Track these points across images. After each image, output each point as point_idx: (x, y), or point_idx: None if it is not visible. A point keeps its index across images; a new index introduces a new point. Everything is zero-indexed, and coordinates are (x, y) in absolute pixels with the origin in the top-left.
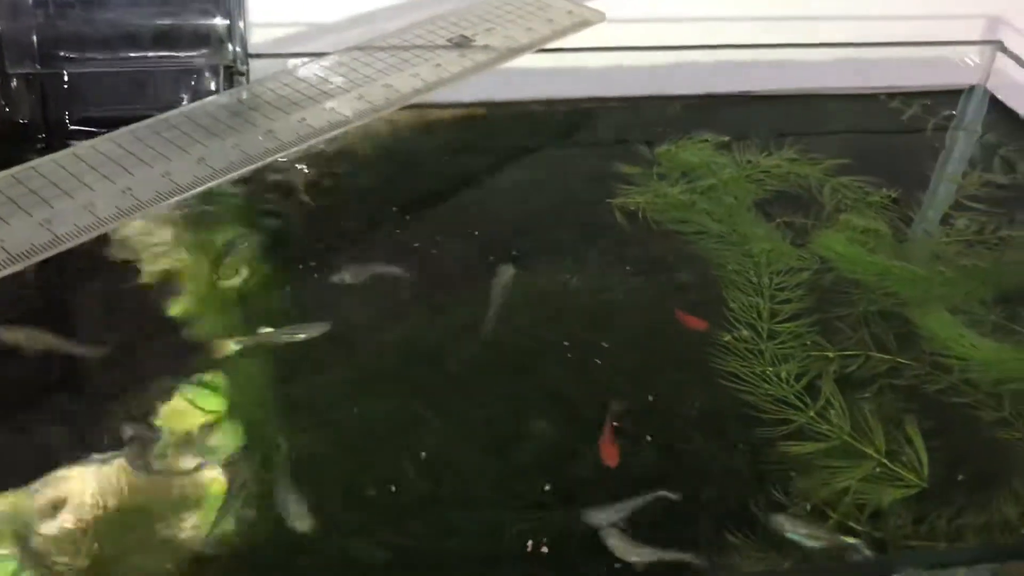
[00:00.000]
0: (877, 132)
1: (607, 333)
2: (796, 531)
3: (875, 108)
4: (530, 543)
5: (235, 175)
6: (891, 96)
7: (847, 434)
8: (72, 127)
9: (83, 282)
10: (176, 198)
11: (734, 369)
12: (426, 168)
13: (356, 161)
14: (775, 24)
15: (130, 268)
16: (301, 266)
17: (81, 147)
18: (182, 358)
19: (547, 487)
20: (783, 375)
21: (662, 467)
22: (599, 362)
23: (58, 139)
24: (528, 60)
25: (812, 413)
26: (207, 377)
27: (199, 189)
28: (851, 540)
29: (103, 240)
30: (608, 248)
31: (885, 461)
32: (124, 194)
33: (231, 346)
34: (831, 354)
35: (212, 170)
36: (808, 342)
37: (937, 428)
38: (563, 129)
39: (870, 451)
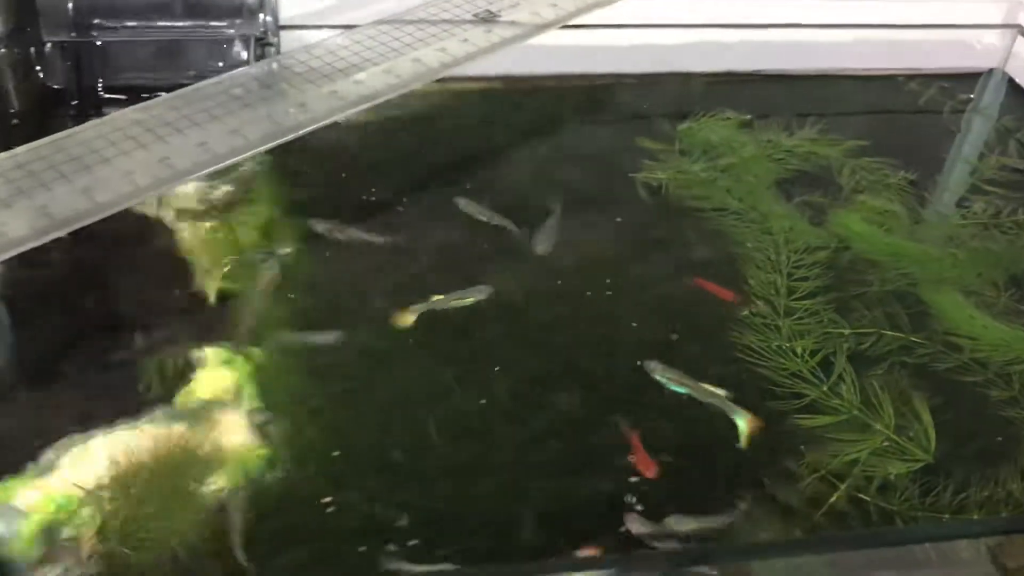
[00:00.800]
0: (895, 113)
1: (627, 305)
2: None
3: (893, 90)
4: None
5: (268, 146)
6: (909, 78)
7: (858, 409)
8: (104, 94)
9: None
10: (211, 168)
11: (751, 343)
12: (447, 142)
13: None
14: (796, 4)
15: None
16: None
17: (119, 115)
18: None
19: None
20: (798, 350)
21: (677, 438)
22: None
23: (90, 105)
24: (548, 35)
25: (825, 388)
26: None
27: (233, 159)
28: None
29: None
30: (630, 221)
31: (894, 436)
32: (161, 163)
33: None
34: (846, 331)
35: (247, 140)
36: (824, 319)
37: (946, 405)
38: (584, 104)
39: (879, 426)
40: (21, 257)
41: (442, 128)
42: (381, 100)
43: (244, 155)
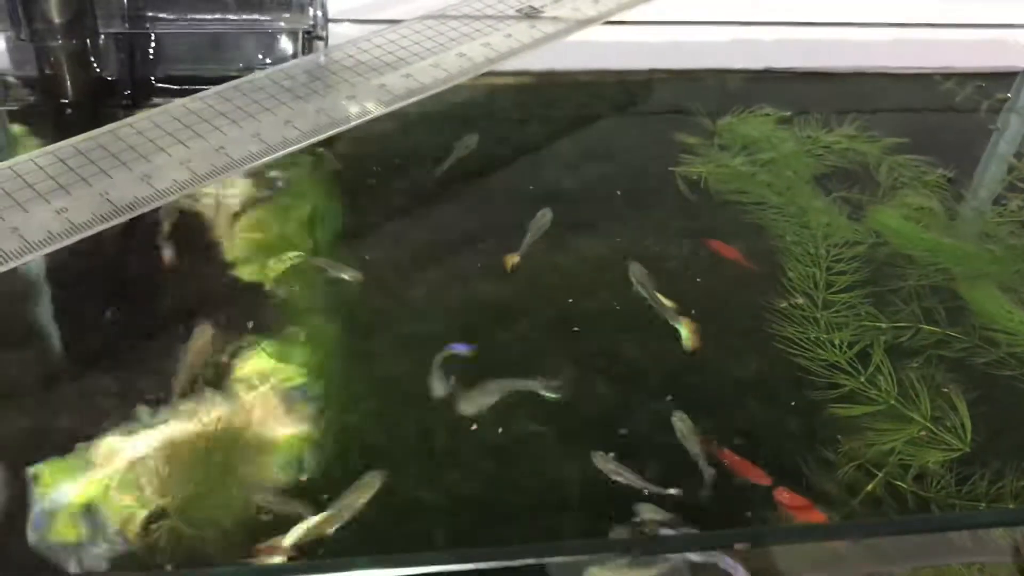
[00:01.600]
0: (932, 111)
1: (667, 296)
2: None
3: (930, 88)
4: None
5: (320, 137)
6: (946, 77)
7: (894, 399)
8: (157, 85)
9: None
10: (266, 158)
11: (790, 335)
12: (484, 135)
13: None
14: (834, 1)
15: None
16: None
17: (174, 106)
18: None
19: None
20: (836, 342)
21: (717, 424)
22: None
23: (143, 96)
24: (586, 32)
25: (862, 379)
26: None
27: (288, 150)
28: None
29: None
30: (670, 214)
31: (930, 426)
32: (218, 152)
33: None
34: (883, 325)
35: (299, 132)
36: (861, 312)
37: (982, 398)
38: (622, 99)
39: (916, 416)
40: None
41: (480, 122)
42: (428, 94)
43: (296, 146)
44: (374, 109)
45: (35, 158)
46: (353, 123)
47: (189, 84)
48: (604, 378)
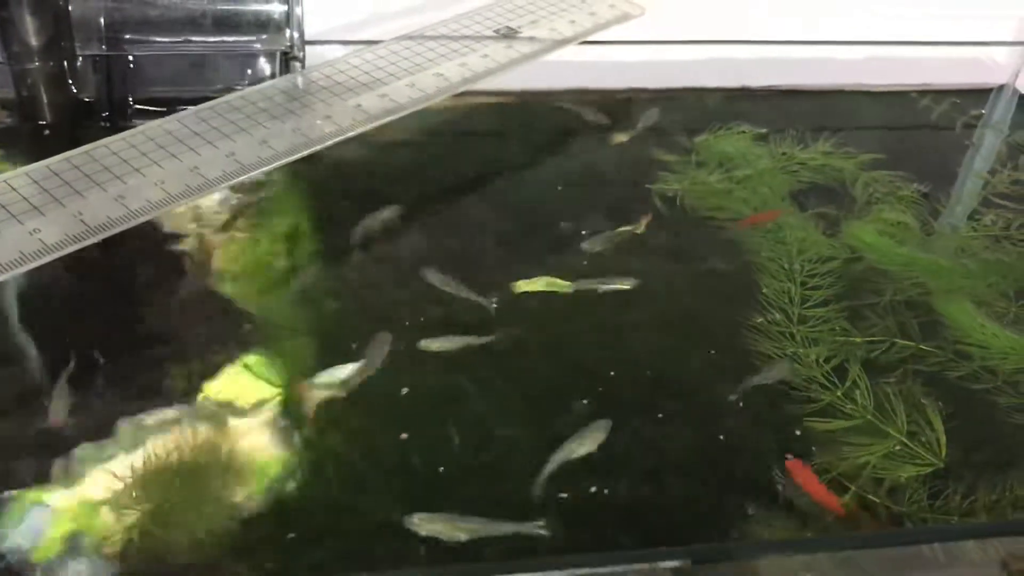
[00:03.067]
0: (908, 128)
1: (642, 313)
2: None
3: (906, 105)
4: None
5: (295, 157)
6: (922, 94)
7: (871, 414)
8: (135, 106)
9: None
10: (240, 177)
11: (766, 350)
12: (461, 154)
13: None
14: (809, 21)
15: None
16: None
17: (150, 127)
18: None
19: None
20: (812, 357)
21: (693, 438)
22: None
23: (121, 117)
24: (565, 51)
25: (839, 393)
26: None
27: (262, 169)
28: None
29: None
30: (646, 231)
31: (905, 440)
32: (192, 172)
33: None
34: (858, 339)
35: (274, 152)
36: (836, 327)
37: (957, 412)
38: (599, 118)
39: (891, 430)
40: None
41: (457, 142)
42: (404, 113)
43: (271, 166)
44: (349, 128)
45: (9, 179)
46: (328, 143)
47: (168, 105)
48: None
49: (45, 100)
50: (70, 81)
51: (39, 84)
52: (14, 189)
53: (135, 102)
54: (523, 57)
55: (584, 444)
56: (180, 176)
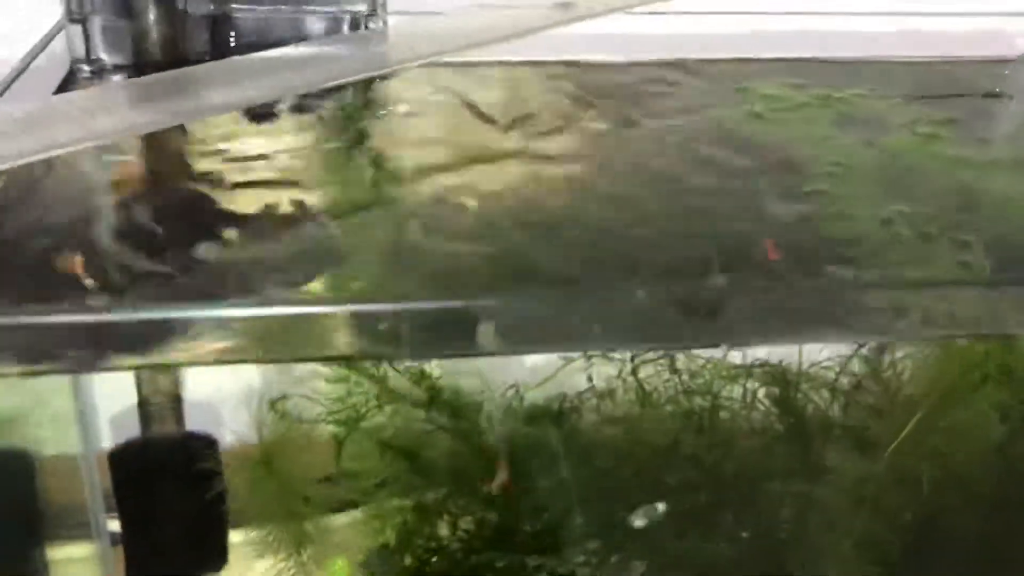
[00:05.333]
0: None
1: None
2: None
3: (935, 72)
4: None
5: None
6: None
7: None
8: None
9: None
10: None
11: None
12: None
13: None
14: None
15: None
16: None
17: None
18: None
19: None
20: None
21: None
22: None
23: None
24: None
25: None
26: None
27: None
28: None
29: None
30: None
31: None
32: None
33: None
34: None
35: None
36: None
37: None
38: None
39: None
40: None
41: None
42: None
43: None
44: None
45: None
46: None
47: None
48: None
49: (160, 60)
50: (180, 39)
51: (155, 45)
52: None
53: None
54: (580, 17)
55: None
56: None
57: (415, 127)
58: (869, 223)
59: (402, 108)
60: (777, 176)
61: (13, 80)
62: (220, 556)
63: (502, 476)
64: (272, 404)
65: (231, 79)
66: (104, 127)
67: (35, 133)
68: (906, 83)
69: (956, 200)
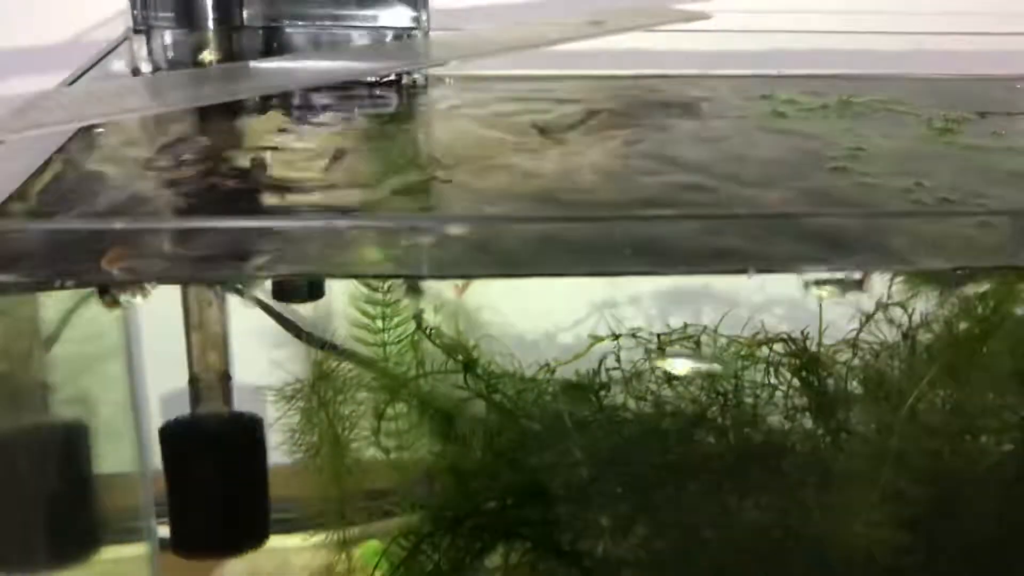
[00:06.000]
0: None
1: None
2: None
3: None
4: None
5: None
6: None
7: None
8: None
9: None
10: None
11: None
12: None
13: None
14: None
15: None
16: None
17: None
18: None
19: None
20: None
21: None
22: None
23: None
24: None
25: None
26: None
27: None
28: None
29: None
30: None
31: None
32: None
33: None
34: None
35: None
36: None
37: None
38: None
39: None
40: None
41: None
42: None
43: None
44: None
45: None
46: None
47: None
48: None
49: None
50: (236, 49)
51: (213, 51)
52: None
53: None
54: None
55: None
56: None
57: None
58: (891, 191)
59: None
60: (802, 157)
61: (75, 80)
62: (261, 531)
63: None
64: None
65: (278, 70)
66: (172, 100)
67: (108, 102)
68: (924, 94)
69: (973, 177)
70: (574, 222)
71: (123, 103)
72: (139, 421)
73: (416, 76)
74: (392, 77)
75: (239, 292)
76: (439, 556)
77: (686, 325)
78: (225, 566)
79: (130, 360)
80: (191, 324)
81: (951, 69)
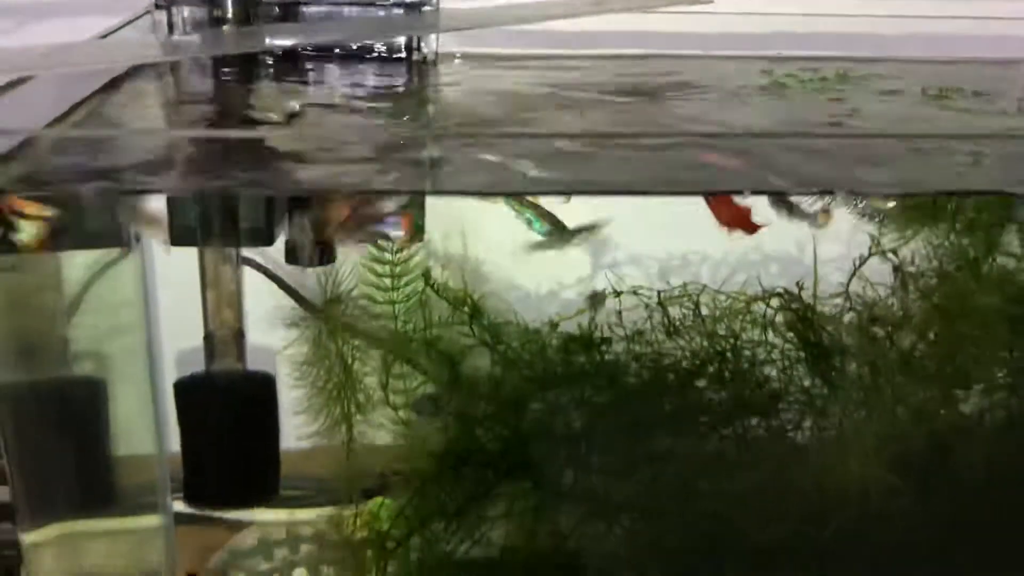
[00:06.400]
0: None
1: None
2: None
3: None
4: None
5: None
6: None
7: None
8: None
9: None
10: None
11: None
12: None
13: None
14: None
15: None
16: None
17: None
18: None
19: None
20: None
21: None
22: None
23: (291, 61)
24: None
25: None
26: None
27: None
28: None
29: None
30: None
31: None
32: None
33: None
34: None
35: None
36: None
37: None
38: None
39: None
40: None
41: None
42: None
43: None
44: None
45: None
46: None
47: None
48: None
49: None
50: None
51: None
52: None
53: (301, 49)
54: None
55: None
56: None
57: None
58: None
59: None
60: (800, 115)
61: None
62: (272, 486)
63: None
64: None
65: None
66: (190, 49)
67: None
68: (918, 74)
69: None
70: None
71: (144, 52)
72: (154, 379)
73: (426, 51)
74: (402, 54)
75: (247, 261)
76: (443, 496)
77: (685, 284)
78: (235, 537)
79: (148, 317)
80: (206, 282)
81: (949, 52)
